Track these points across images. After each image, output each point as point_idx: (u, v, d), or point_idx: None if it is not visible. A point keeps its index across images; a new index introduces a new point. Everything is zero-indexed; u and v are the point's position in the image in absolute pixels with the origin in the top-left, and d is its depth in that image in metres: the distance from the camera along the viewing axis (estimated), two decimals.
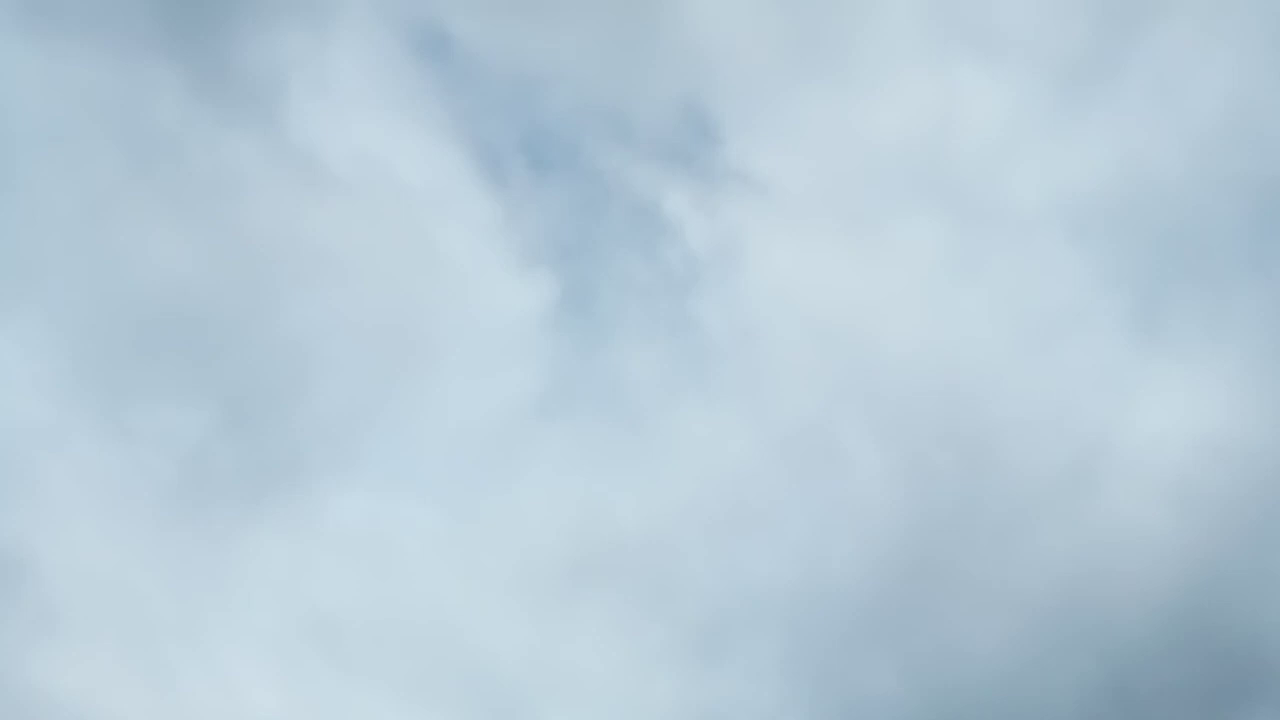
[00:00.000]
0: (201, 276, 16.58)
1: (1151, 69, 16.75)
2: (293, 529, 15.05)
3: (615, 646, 14.54)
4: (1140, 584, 14.87)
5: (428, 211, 17.03)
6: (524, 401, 15.87)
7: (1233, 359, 15.55)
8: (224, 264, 16.66)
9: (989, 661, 14.40)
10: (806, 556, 15.22)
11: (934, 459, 15.50)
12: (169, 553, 14.75)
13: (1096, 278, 16.66)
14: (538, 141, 17.33)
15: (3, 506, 14.54)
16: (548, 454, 15.73)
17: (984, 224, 16.94)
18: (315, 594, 14.87)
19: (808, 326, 16.92)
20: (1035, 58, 16.80)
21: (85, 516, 14.88)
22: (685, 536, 15.48)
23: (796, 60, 17.01)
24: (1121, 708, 14.26)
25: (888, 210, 17.21)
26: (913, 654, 14.55)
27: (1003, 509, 15.28)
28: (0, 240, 15.96)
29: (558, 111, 17.35)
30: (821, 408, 16.23)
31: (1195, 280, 16.39)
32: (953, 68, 16.97)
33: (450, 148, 17.11)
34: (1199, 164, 16.64)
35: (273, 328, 16.34)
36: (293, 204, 17.09)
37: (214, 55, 16.80)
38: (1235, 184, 16.73)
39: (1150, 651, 14.39)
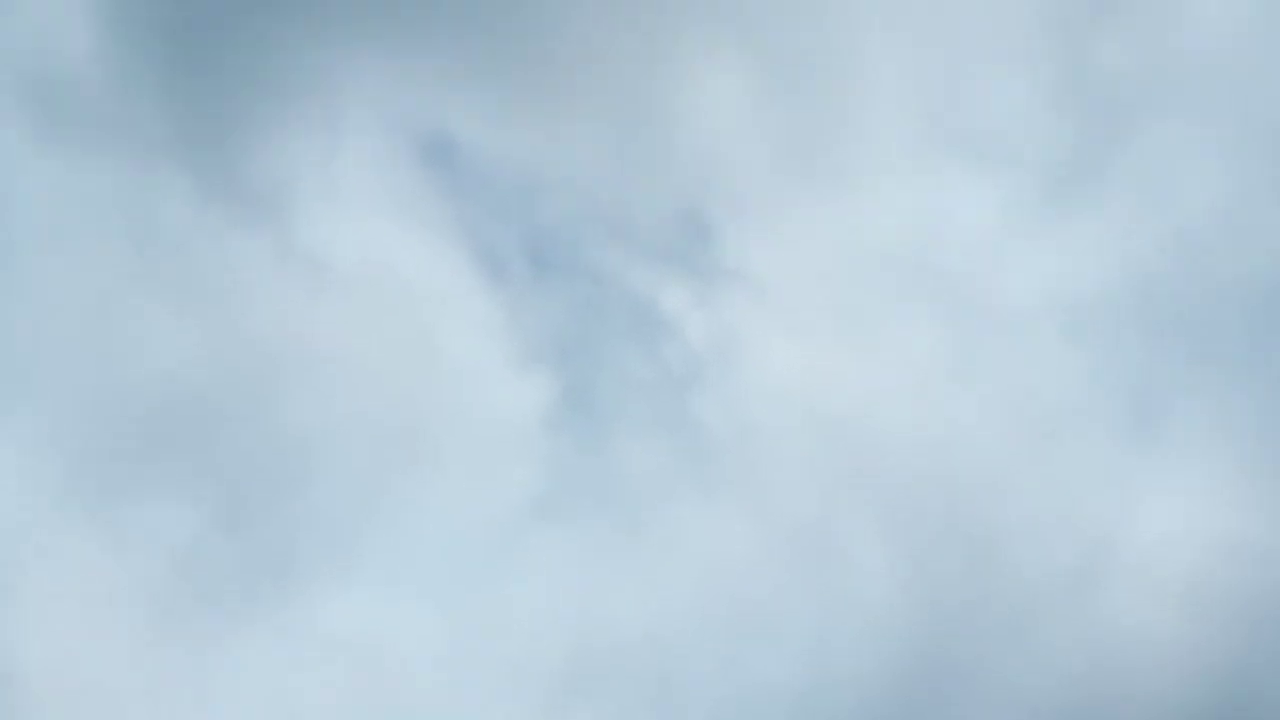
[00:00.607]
0: (202, 375, 16.37)
1: (1139, 169, 16.84)
2: (285, 632, 14.50)
3: None
4: (1149, 684, 14.30)
5: (429, 312, 16.92)
6: (522, 502, 15.52)
7: (1235, 458, 15.25)
8: (226, 362, 16.46)
9: None
10: (810, 655, 14.67)
11: (938, 557, 15.06)
12: (157, 657, 14.17)
13: (1093, 376, 16.45)
14: (539, 243, 17.36)
15: None
16: (546, 555, 15.30)
17: (978, 322, 16.81)
18: (307, 699, 14.25)
19: (806, 423, 16.69)
20: (1023, 159, 16.93)
21: (70, 619, 14.33)
22: (686, 636, 14.96)
23: (791, 165, 17.14)
24: None
25: (882, 309, 17.12)
26: None
27: (1009, 608, 14.79)
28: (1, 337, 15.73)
29: (559, 214, 17.41)
30: (823, 505, 15.87)
31: (1193, 379, 16.16)
32: (942, 170, 17.07)
33: (453, 249, 17.10)
34: (1190, 263, 16.57)
35: (272, 426, 16.05)
36: (296, 304, 16.97)
37: (223, 159, 16.88)
38: (1227, 283, 16.62)
39: None
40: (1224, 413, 15.91)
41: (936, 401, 16.42)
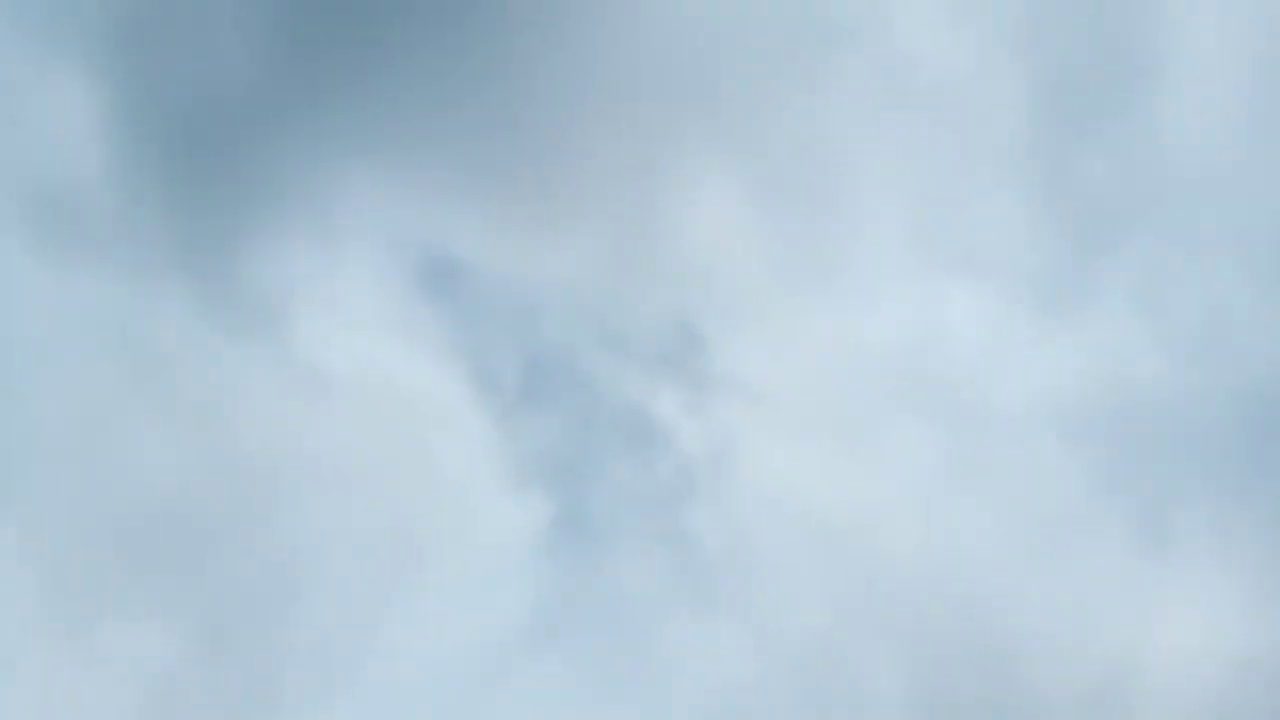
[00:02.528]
0: (194, 490, 15.33)
1: (1126, 279, 16.36)
2: None
3: None
4: None
5: (425, 427, 16.05)
6: (517, 623, 14.37)
7: (1245, 570, 14.25)
8: (218, 477, 15.45)
9: None
10: None
11: (950, 675, 13.82)
12: None
13: (1094, 485, 15.62)
14: (535, 357, 16.62)
15: None
16: (541, 678, 14.04)
17: (975, 431, 16.05)
18: None
19: (806, 535, 15.70)
20: (1014, 269, 16.44)
21: None
22: None
23: (785, 275, 16.61)
24: None
25: (879, 418, 16.37)
26: None
27: None
28: None
29: (554, 328, 16.71)
30: (826, 620, 14.70)
31: (1193, 488, 15.30)
32: (935, 280, 16.55)
33: (449, 364, 16.31)
34: (1179, 371, 15.91)
35: (261, 543, 14.94)
36: (291, 417, 16.07)
37: (222, 270, 16.16)
38: (1216, 391, 15.94)
39: None
40: (1227, 523, 15.01)
41: (938, 511, 15.50)
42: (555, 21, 16.08)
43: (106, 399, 15.78)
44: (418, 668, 14.32)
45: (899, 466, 16.02)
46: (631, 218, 16.48)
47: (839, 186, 16.51)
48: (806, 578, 15.25)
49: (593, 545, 15.20)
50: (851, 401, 16.42)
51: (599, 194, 16.56)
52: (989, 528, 15.17)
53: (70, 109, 16.05)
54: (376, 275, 17.14)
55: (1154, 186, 16.39)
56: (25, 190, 16.06)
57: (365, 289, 17.15)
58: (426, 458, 15.71)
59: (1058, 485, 15.63)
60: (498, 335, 16.80)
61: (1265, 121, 16.00)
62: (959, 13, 16.05)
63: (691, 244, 16.56)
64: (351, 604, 14.63)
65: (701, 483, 16.04)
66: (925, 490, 15.73)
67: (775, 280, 16.50)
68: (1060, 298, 16.46)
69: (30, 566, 14.19)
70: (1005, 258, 16.37)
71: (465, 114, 16.27)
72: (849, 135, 16.39)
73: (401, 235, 17.19)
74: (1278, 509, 14.86)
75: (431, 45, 16.42)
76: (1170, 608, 14.25)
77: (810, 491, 16.06)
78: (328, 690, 13.99)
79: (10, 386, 15.50)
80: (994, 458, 15.91)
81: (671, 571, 15.30)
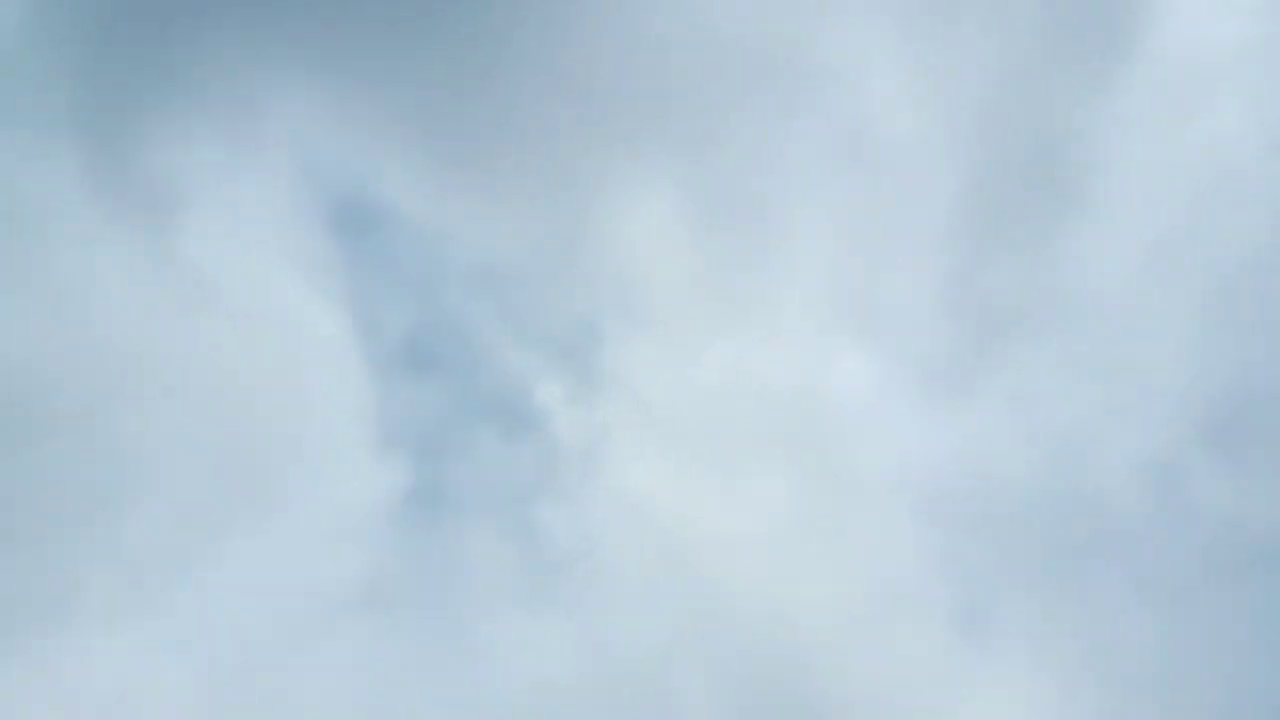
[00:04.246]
0: (37, 367, 13.81)
1: (1011, 379, 16.51)
2: (43, 674, 11.70)
3: None
4: None
5: (298, 366, 14.91)
6: (346, 583, 13.34)
7: (1057, 667, 14.43)
8: (66, 360, 13.96)
9: None
10: None
11: (764, 718, 13.51)
12: None
13: (934, 564, 15.63)
14: (429, 323, 15.69)
15: None
16: (356, 643, 13.07)
17: (837, 489, 15.93)
18: None
19: (654, 552, 15.29)
20: (912, 345, 16.44)
21: None
22: None
23: (701, 297, 16.28)
24: None
25: (751, 455, 16.13)
26: None
27: None
28: None
29: (457, 296, 15.84)
30: (656, 640, 14.23)
31: (1022, 583, 15.49)
32: (835, 336, 16.43)
33: (339, 308, 15.25)
34: (1040, 474, 16.14)
35: (99, 439, 13.59)
36: (159, 318, 14.70)
37: (121, 148, 14.67)
38: (1062, 498, 16.24)
39: None
40: (1047, 622, 15.23)
41: (786, 558, 15.26)
42: (531, 1, 15.32)
43: None
44: (234, 606, 13.18)
45: (758, 506, 15.78)
46: (563, 208, 15.82)
47: (770, 226, 16.27)
48: (645, 595, 14.80)
49: (442, 521, 14.39)
50: (729, 433, 16.15)
51: (536, 177, 15.84)
52: (829, 585, 15.03)
53: None
54: (286, 196, 15.93)
55: (1051, 300, 16.63)
56: None
57: (270, 206, 15.92)
58: (292, 396, 14.59)
59: (901, 557, 15.62)
60: (397, 290, 15.87)
61: (1164, 263, 16.42)
62: (919, 88, 15.99)
63: (616, 247, 16.03)
64: (179, 524, 13.38)
65: (565, 480, 15.47)
66: (778, 535, 15.50)
67: (688, 300, 16.12)
68: (945, 381, 16.52)
69: None
70: (905, 332, 16.37)
71: (419, 67, 15.28)
72: (791, 179, 16.16)
73: (323, 162, 16.03)
74: (1093, 617, 15.16)
75: None
76: (982, 693, 14.34)
77: (669, 511, 15.67)
78: (134, 607, 12.71)
79: None
80: (849, 519, 15.81)
81: (515, 562, 14.61)
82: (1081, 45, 15.96)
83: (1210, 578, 14.80)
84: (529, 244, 15.93)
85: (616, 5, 15.59)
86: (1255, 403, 15.59)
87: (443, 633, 13.67)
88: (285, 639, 12.86)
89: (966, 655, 14.57)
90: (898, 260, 16.12)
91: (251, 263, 15.60)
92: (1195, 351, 15.92)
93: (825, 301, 16.39)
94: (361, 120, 15.86)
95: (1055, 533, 15.93)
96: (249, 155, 15.48)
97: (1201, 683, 14.19)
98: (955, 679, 14.29)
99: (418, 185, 15.99)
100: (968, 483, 16.29)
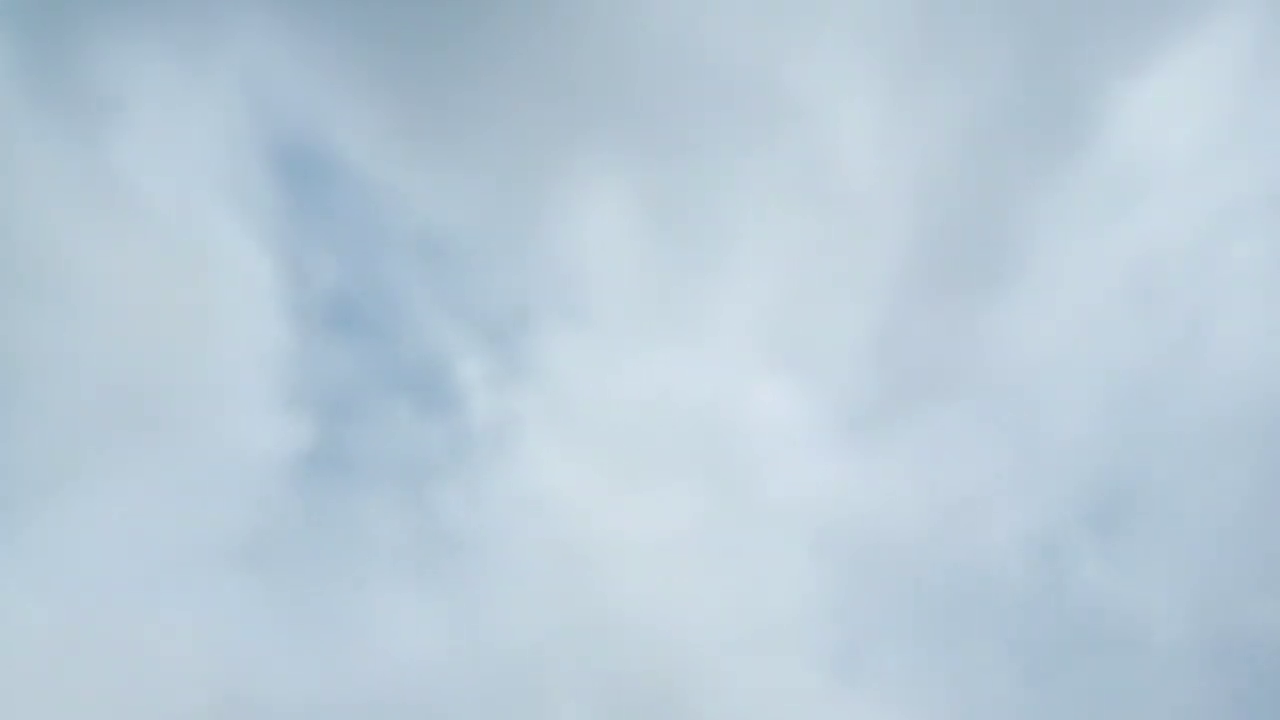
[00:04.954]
0: None
1: (920, 435, 16.64)
2: None
3: None
4: None
5: (216, 301, 14.11)
6: (229, 533, 12.58)
7: (923, 715, 14.46)
8: None
9: None
10: None
11: None
12: None
13: (823, 599, 15.56)
14: (362, 282, 15.01)
15: None
16: (233, 594, 12.32)
17: (741, 512, 15.78)
18: None
19: (545, 543, 14.86)
20: (837, 389, 16.45)
21: None
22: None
23: (641, 302, 15.98)
24: None
25: (661, 466, 15.86)
26: None
27: None
28: None
29: (396, 260, 15.23)
30: (535, 638, 13.78)
31: (902, 631, 15.54)
32: (767, 367, 16.34)
33: (269, 249, 14.47)
34: (930, 530, 16.25)
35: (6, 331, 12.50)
36: (80, 224, 13.73)
37: (63, 53, 13.70)
38: (947, 556, 16.39)
39: None
40: (922, 670, 15.30)
41: (678, 572, 15.02)
42: None
43: None
44: (103, 542, 12.30)
45: (659, 519, 15.51)
46: (517, 193, 15.40)
47: (718, 247, 16.13)
48: (532, 589, 14.37)
49: (337, 485, 13.72)
50: (643, 442, 15.88)
51: (495, 158, 15.39)
52: (716, 605, 14.83)
53: None
54: (233, 127, 15.14)
55: (972, 368, 16.85)
56: None
57: (214, 134, 15.10)
58: (203, 333, 13.78)
59: (790, 589, 15.53)
60: (333, 244, 15.19)
61: (1079, 353, 16.77)
62: (883, 139, 16.12)
63: (564, 241, 15.67)
64: (54, 448, 12.45)
65: (471, 463, 14.95)
66: (674, 550, 15.24)
67: (626, 305, 15.84)
68: (860, 426, 16.58)
69: None
70: (830, 372, 16.39)
71: (394, 27, 14.72)
72: (746, 203, 16.06)
73: (277, 100, 15.28)
74: (963, 673, 15.27)
75: None
76: None
77: (570, 510, 15.29)
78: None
79: None
80: (746, 544, 15.66)
81: (406, 537, 14.02)
82: (1039, 134, 16.36)
83: (1075, 649, 15.09)
84: (476, 222, 15.47)
85: (603, 6, 15.33)
86: (1138, 497, 16.05)
87: (320, 597, 13.01)
88: (153, 584, 12.04)
89: (838, 693, 14.52)
90: (836, 301, 16.17)
91: (184, 188, 14.77)
92: (1092, 439, 16.33)
93: (760, 329, 16.32)
94: (325, 67, 15.21)
95: (939, 587, 16.06)
96: (201, 77, 14.69)
97: None
98: (824, 715, 14.20)
99: (372, 142, 15.39)
100: (865, 527, 16.32)
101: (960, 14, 15.48)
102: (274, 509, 13.19)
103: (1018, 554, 15.94)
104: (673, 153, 15.65)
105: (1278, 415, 15.48)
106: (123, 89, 14.08)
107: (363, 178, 15.56)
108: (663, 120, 15.51)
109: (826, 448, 16.39)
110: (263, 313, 14.35)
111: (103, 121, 13.87)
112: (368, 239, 15.38)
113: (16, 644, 11.27)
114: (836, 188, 16.13)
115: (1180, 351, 16.08)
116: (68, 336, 12.93)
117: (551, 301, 15.51)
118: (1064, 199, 16.45)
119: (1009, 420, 16.71)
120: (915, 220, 16.14)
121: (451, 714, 12.69)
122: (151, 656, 11.67)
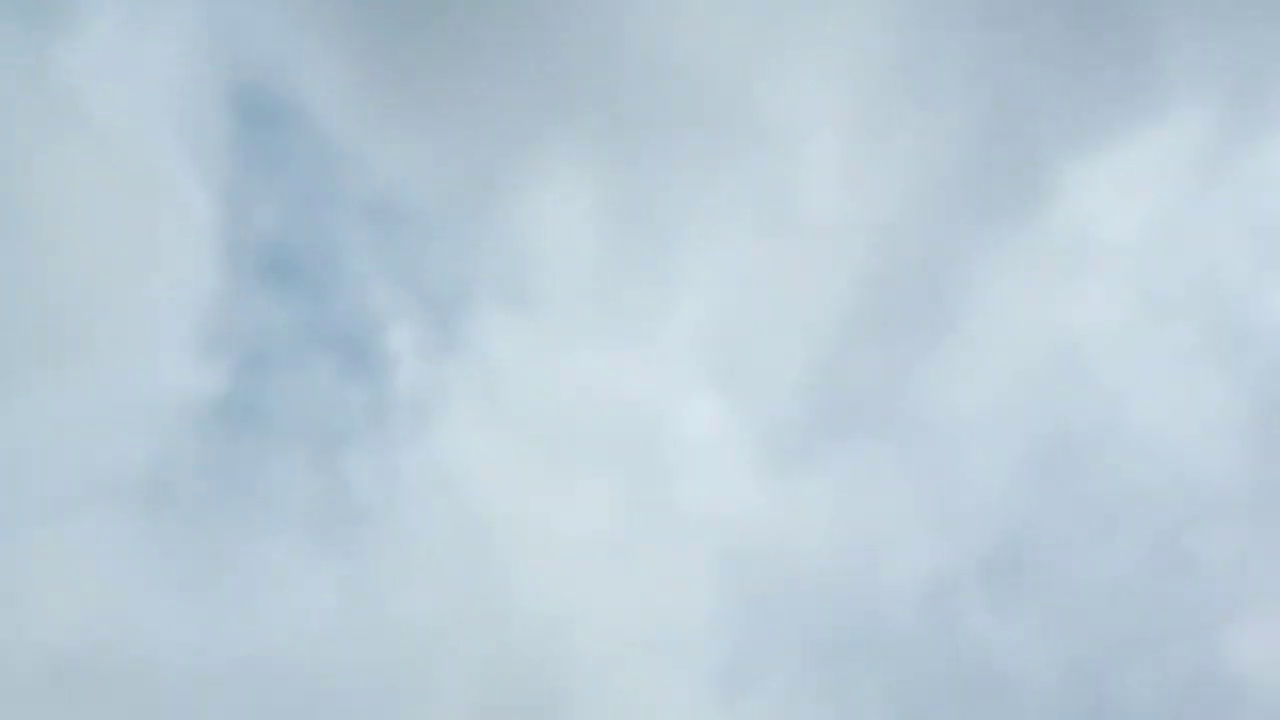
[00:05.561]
0: None
1: (839, 468, 16.76)
2: None
3: None
4: None
5: (142, 235, 13.49)
6: (126, 477, 12.02)
7: None
8: None
9: None
10: None
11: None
12: None
13: (716, 618, 15.60)
14: (300, 232, 14.54)
15: None
16: (117, 542, 11.79)
17: (658, 524, 15.76)
18: None
19: (454, 529, 14.62)
20: (763, 411, 16.51)
21: None
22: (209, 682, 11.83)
23: (585, 296, 15.78)
24: None
25: (580, 464, 15.74)
26: None
27: None
28: None
29: (338, 215, 14.79)
30: (428, 620, 13.55)
31: (790, 661, 15.65)
32: (698, 380, 16.31)
33: (205, 186, 13.91)
34: (835, 563, 16.40)
35: None
36: (8, 132, 12.98)
37: None
38: (854, 593, 16.58)
39: None
40: (806, 705, 15.45)
41: (582, 572, 14.91)
42: None
43: None
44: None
45: (571, 515, 15.39)
46: (474, 167, 15.11)
47: (669, 252, 16.06)
48: (431, 570, 14.11)
49: (246, 438, 13.24)
50: (566, 434, 15.74)
51: (457, 127, 15.05)
52: (614, 610, 14.77)
53: None
54: (189, 54, 14.49)
55: (899, 410, 17.04)
56: None
57: (169, 59, 14.45)
58: (127, 263, 13.17)
59: (688, 604, 15.55)
60: (278, 190, 14.68)
61: (1001, 414, 17.03)
62: (844, 172, 16.20)
63: (516, 222, 15.40)
64: None
65: (388, 432, 14.61)
66: (581, 548, 15.14)
67: (570, 295, 15.66)
68: (782, 451, 16.65)
69: None
70: (762, 394, 16.44)
71: None
72: (702, 216, 16.01)
73: (240, 34, 14.69)
74: (845, 713, 15.44)
75: None
76: None
77: (482, 494, 15.07)
78: None
79: None
80: (653, 552, 15.62)
81: (312, 500, 13.63)
82: (993, 197, 16.64)
83: (954, 695, 15.40)
84: (429, 188, 15.09)
85: (594, 5, 15.10)
86: (1033, 556, 16.48)
87: (213, 552, 12.55)
88: (39, 520, 11.45)
89: (717, 710, 14.58)
90: (778, 327, 16.23)
91: (130, 111, 14.10)
92: (1001, 495, 16.68)
93: (700, 343, 16.30)
94: (300, 8, 14.66)
95: (831, 619, 16.24)
96: (159, 8, 14.01)
97: None
98: None
99: (338, 96, 14.91)
100: (771, 551, 16.40)
101: (934, 69, 15.67)
102: (175, 453, 12.69)
103: (912, 596, 16.21)
104: (640, 158, 15.54)
105: (1178, 497, 16.01)
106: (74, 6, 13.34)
107: (322, 130, 15.09)
108: (634, 125, 15.38)
109: (747, 468, 16.45)
110: (195, 250, 13.79)
111: (49, 27, 13.12)
112: (317, 192, 14.93)
113: None
114: (794, 217, 16.18)
115: (1097, 426, 16.52)
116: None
117: (497, 284, 15.25)
118: (1008, 263, 16.77)
119: (926, 466, 16.96)
120: (866, 259, 16.27)
121: (337, 683, 12.37)
122: (31, 592, 11.12)
